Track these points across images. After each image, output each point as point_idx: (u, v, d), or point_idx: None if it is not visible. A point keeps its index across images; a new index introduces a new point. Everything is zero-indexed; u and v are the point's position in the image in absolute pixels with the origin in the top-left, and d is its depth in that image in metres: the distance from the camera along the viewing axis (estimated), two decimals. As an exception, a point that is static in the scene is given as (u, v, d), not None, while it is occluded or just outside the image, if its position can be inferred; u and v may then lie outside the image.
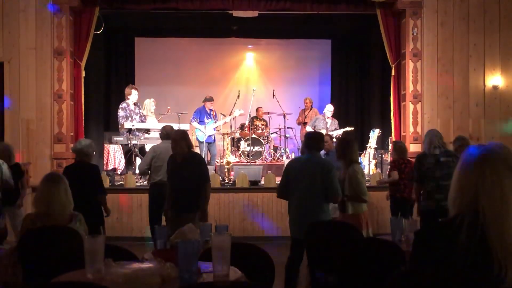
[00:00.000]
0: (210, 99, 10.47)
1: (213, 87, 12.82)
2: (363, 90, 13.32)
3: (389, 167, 9.63)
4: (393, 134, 9.50)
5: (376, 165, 10.16)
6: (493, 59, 9.09)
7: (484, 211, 1.80)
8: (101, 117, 12.12)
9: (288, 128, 11.85)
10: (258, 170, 9.18)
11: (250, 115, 11.62)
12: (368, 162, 10.18)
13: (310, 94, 12.51)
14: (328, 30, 13.01)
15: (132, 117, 9.41)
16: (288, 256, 5.05)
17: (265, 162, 10.87)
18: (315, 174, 4.90)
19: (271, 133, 12.00)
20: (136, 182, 8.75)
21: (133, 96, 9.48)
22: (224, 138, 11.35)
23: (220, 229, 3.93)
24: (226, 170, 9.60)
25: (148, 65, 13.19)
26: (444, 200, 4.91)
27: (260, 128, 11.50)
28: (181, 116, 9.92)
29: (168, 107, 10.61)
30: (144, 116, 9.74)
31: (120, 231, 8.19)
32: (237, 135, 11.39)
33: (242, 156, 10.93)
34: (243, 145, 11.02)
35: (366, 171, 10.11)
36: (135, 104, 9.55)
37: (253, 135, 11.11)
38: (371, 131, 10.65)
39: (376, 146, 10.38)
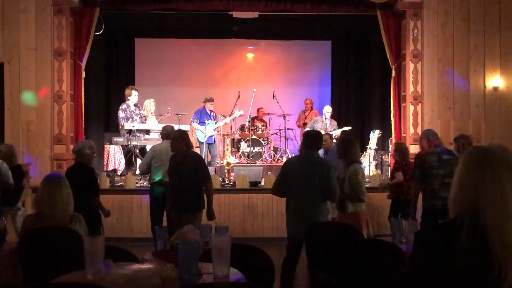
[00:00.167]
0: (211, 100, 10.47)
1: (213, 87, 12.82)
2: (363, 91, 13.32)
3: (389, 168, 9.70)
4: (393, 135, 9.50)
5: (376, 166, 10.16)
6: (493, 60, 9.09)
7: (484, 213, 1.80)
8: (101, 118, 12.12)
9: (288, 129, 11.85)
10: (258, 171, 9.18)
11: (250, 116, 11.62)
12: (368, 163, 10.18)
13: (310, 95, 12.51)
14: (329, 31, 13.01)
15: (132, 118, 9.40)
16: (284, 256, 5.04)
17: (265, 163, 10.86)
18: (313, 173, 4.89)
19: (271, 134, 12.00)
20: (136, 183, 8.75)
21: (133, 97, 9.48)
22: (224, 139, 11.35)
23: (220, 230, 3.93)
24: (226, 171, 9.60)
25: (148, 66, 13.19)
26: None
27: (260, 129, 11.50)
28: (181, 117, 9.92)
29: (168, 108, 10.61)
30: (144, 117, 9.75)
31: (120, 232, 8.19)
32: (237, 136, 11.39)
33: (242, 157, 10.93)
34: (243, 146, 11.02)
35: (366, 172, 10.11)
36: (135, 105, 9.55)
37: (253, 136, 11.10)
38: (371, 132, 10.65)
39: (376, 147, 10.38)
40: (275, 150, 11.90)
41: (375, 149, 10.38)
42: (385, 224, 7.54)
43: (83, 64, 9.11)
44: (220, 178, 9.11)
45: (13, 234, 6.23)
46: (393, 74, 9.43)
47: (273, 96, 11.73)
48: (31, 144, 8.64)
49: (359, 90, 13.40)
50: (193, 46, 13.40)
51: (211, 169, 8.48)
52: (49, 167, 8.57)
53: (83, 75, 9.18)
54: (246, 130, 11.35)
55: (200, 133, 10.26)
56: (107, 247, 2.94)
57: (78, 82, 9.10)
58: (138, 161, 9.37)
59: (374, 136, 10.38)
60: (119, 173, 10.00)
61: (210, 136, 10.32)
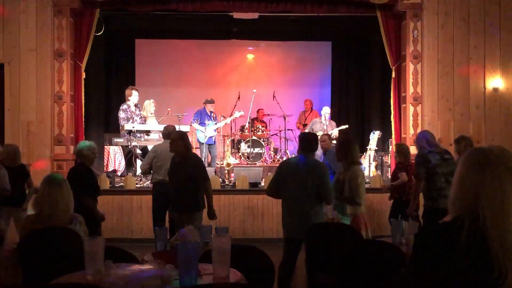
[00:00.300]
0: (211, 101, 10.48)
1: (213, 88, 12.83)
2: (363, 92, 13.33)
3: (389, 169, 9.71)
4: (393, 136, 9.49)
5: (376, 167, 10.16)
6: (493, 61, 9.09)
7: (484, 214, 1.80)
8: (101, 118, 12.12)
9: (288, 129, 11.86)
10: (258, 172, 9.18)
11: (250, 117, 11.62)
12: (368, 164, 10.18)
13: (310, 96, 12.51)
14: (329, 32, 13.01)
15: (133, 118, 9.41)
16: (282, 257, 5.03)
17: (265, 164, 10.86)
18: (308, 175, 4.89)
19: (272, 135, 12.00)
20: (136, 184, 8.75)
21: (133, 97, 9.48)
22: (224, 140, 11.36)
23: (220, 231, 3.93)
24: (226, 172, 9.60)
25: (148, 66, 13.19)
26: None
27: (260, 130, 11.50)
28: (181, 118, 9.92)
29: (169, 109, 10.62)
30: (144, 117, 9.75)
31: (120, 232, 8.19)
32: (238, 137, 11.39)
33: (243, 158, 10.93)
34: (244, 147, 11.02)
35: (366, 173, 10.11)
36: (135, 105, 9.56)
37: (253, 137, 11.10)
38: (371, 133, 10.66)
39: (376, 148, 10.39)
40: (275, 151, 11.90)
41: (375, 150, 10.39)
42: (385, 225, 7.54)
43: (83, 65, 9.11)
44: (220, 179, 9.12)
45: (15, 235, 6.21)
46: (393, 75, 9.43)
47: (273, 97, 11.73)
48: (31, 145, 8.64)
49: (359, 91, 13.42)
50: (193, 47, 13.41)
51: (211, 170, 8.50)
52: (49, 167, 8.57)
53: (83, 75, 9.18)
54: (246, 131, 11.35)
55: (201, 134, 10.27)
56: (107, 247, 2.94)
57: (78, 82, 9.10)
58: (138, 162, 9.37)
59: (374, 137, 10.39)
60: (119, 173, 10.00)
61: (211, 137, 10.33)
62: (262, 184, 8.97)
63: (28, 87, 8.69)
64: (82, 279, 2.77)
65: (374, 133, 10.51)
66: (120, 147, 9.89)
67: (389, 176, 8.90)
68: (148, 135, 9.42)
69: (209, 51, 13.39)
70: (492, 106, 9.07)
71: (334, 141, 9.22)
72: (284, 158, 11.17)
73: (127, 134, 9.14)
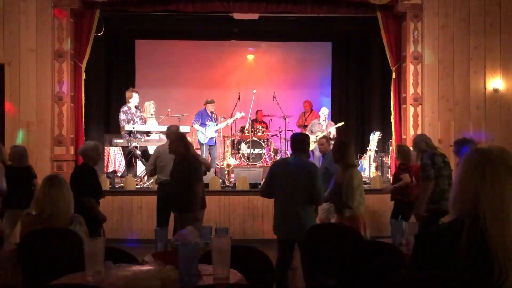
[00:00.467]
0: (212, 102, 10.49)
1: (214, 89, 12.83)
2: (363, 93, 13.33)
3: (389, 170, 9.71)
4: (393, 137, 9.49)
5: (376, 168, 10.16)
6: (493, 62, 9.09)
7: (484, 215, 1.79)
8: (102, 119, 12.13)
9: (288, 130, 11.85)
10: (258, 173, 9.17)
11: (250, 118, 11.62)
12: (368, 165, 10.19)
13: (310, 97, 12.51)
14: (329, 33, 13.01)
15: (133, 120, 9.42)
16: (276, 258, 5.03)
17: (265, 165, 10.85)
18: (299, 176, 4.90)
19: (272, 136, 12.00)
20: (136, 185, 8.75)
21: (134, 99, 9.49)
22: (224, 140, 11.35)
23: (220, 232, 3.93)
24: (226, 172, 9.60)
25: (148, 67, 13.19)
26: None
27: (260, 131, 11.50)
28: (182, 118, 9.91)
29: (169, 109, 10.62)
30: (144, 118, 9.75)
31: (120, 233, 8.18)
32: (238, 137, 11.39)
33: (243, 158, 10.93)
34: (244, 147, 11.02)
35: (366, 174, 10.12)
36: (136, 107, 9.57)
37: (254, 138, 11.10)
38: (372, 134, 10.67)
39: (376, 149, 10.39)
40: (275, 151, 11.90)
41: (376, 151, 10.39)
42: (385, 226, 7.52)
43: (84, 65, 9.11)
44: (220, 180, 9.12)
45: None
46: (393, 76, 9.42)
47: (273, 97, 11.73)
48: (31, 145, 8.62)
49: (359, 92, 13.42)
50: (194, 48, 13.41)
51: (211, 171, 8.48)
52: (49, 168, 8.56)
53: (84, 76, 9.18)
54: (247, 131, 11.35)
55: (201, 135, 10.28)
56: (107, 248, 2.94)
57: (79, 83, 9.10)
58: (138, 163, 9.38)
59: (375, 138, 10.39)
60: (119, 174, 10.00)
61: (211, 138, 10.33)
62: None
63: (28, 88, 8.69)
64: (82, 280, 2.77)
65: (374, 134, 10.52)
66: (120, 148, 9.89)
67: (390, 177, 8.90)
68: (148, 136, 9.42)
69: (209, 51, 13.39)
70: (492, 106, 9.07)
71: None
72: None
73: (127, 135, 9.14)
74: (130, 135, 9.09)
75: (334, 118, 11.97)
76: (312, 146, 10.06)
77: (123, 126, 9.24)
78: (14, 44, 8.67)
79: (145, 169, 7.34)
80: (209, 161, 10.35)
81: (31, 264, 3.62)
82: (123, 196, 8.46)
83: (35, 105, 8.71)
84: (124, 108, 9.46)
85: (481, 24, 9.06)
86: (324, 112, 10.78)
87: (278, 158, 11.49)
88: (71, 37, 8.85)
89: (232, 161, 10.59)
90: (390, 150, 9.83)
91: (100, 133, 11.52)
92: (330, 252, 4.06)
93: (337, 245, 4.02)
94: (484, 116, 9.06)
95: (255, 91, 11.66)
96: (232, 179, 9.33)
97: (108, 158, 10.22)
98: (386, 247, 3.68)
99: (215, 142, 10.54)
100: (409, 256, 2.06)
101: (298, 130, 12.12)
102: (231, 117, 10.89)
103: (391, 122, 9.58)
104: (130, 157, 9.24)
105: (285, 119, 11.67)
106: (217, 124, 10.44)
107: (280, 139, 11.97)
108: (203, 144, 10.27)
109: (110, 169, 10.03)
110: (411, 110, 9.10)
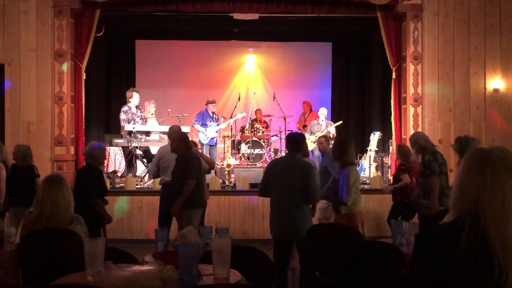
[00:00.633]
0: (213, 102, 10.49)
1: (214, 89, 12.82)
2: (363, 93, 13.33)
3: (389, 170, 9.71)
4: (393, 137, 9.49)
5: (376, 168, 10.16)
6: (493, 62, 9.08)
7: (485, 215, 1.79)
8: (102, 119, 12.13)
9: (288, 130, 11.83)
10: (258, 173, 9.17)
11: (250, 118, 11.62)
12: (368, 165, 10.18)
13: (310, 97, 12.51)
14: (329, 33, 13.01)
15: (134, 120, 9.42)
16: (273, 258, 5.03)
17: (265, 165, 10.83)
18: (294, 175, 4.91)
19: (272, 136, 12.00)
20: (137, 185, 8.75)
21: (134, 99, 9.49)
22: (224, 140, 11.35)
23: (220, 232, 3.93)
24: (226, 172, 9.60)
25: (148, 67, 13.19)
26: None
27: (260, 131, 11.50)
28: (182, 118, 9.91)
29: (169, 110, 10.62)
30: (145, 118, 9.75)
31: (120, 233, 8.18)
32: (238, 137, 11.39)
33: (243, 158, 10.92)
34: (244, 147, 11.01)
35: (366, 174, 10.12)
36: (136, 107, 9.57)
37: (254, 138, 11.10)
38: (372, 134, 10.67)
39: (376, 149, 10.39)
40: (276, 151, 11.89)
41: (376, 151, 10.39)
42: (385, 226, 7.52)
43: (84, 66, 9.11)
44: (221, 180, 9.12)
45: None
46: (394, 76, 9.42)
47: (274, 97, 11.73)
48: (32, 146, 8.57)
49: (360, 92, 13.42)
50: (194, 48, 13.41)
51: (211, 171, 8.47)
52: (49, 168, 8.56)
53: (84, 76, 9.18)
54: (247, 131, 11.35)
55: (202, 135, 10.28)
56: (107, 248, 2.94)
57: (79, 83, 9.10)
58: (139, 163, 9.38)
59: (375, 138, 10.39)
60: (119, 174, 10.00)
61: (212, 138, 10.34)
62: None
63: (28, 88, 8.69)
64: (82, 280, 2.77)
65: (374, 134, 10.52)
66: (121, 148, 9.89)
67: (390, 177, 8.90)
68: (149, 136, 9.42)
69: (210, 52, 13.39)
70: (493, 107, 9.07)
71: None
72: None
73: (128, 135, 9.14)
74: (130, 135, 9.09)
75: (334, 118, 11.96)
76: (312, 146, 10.07)
77: (124, 126, 9.24)
78: (14, 44, 8.67)
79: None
80: (210, 161, 10.35)
81: (31, 264, 3.62)
82: (123, 196, 8.45)
83: (35, 105, 8.72)
84: (125, 108, 9.47)
85: (481, 24, 9.06)
86: (323, 112, 10.79)
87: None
88: (71, 37, 8.85)
89: (232, 161, 10.58)
90: (390, 150, 9.82)
91: (100, 133, 11.53)
92: (330, 252, 4.05)
93: (337, 245, 4.02)
94: (484, 116, 9.06)
95: (255, 91, 11.66)
96: (232, 179, 9.33)
97: (108, 158, 10.21)
98: (386, 247, 3.68)
99: (215, 142, 10.55)
100: (410, 256, 2.06)
101: (299, 131, 12.13)
102: (231, 117, 10.89)
103: (391, 122, 9.58)
104: (130, 157, 9.24)
105: (285, 119, 11.66)
106: (218, 125, 10.45)
107: (280, 139, 11.95)
108: (203, 144, 10.27)
109: (110, 169, 10.02)
110: (411, 110, 9.10)
